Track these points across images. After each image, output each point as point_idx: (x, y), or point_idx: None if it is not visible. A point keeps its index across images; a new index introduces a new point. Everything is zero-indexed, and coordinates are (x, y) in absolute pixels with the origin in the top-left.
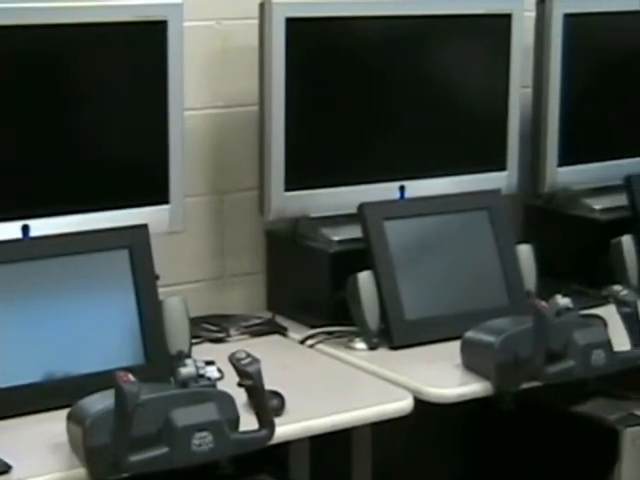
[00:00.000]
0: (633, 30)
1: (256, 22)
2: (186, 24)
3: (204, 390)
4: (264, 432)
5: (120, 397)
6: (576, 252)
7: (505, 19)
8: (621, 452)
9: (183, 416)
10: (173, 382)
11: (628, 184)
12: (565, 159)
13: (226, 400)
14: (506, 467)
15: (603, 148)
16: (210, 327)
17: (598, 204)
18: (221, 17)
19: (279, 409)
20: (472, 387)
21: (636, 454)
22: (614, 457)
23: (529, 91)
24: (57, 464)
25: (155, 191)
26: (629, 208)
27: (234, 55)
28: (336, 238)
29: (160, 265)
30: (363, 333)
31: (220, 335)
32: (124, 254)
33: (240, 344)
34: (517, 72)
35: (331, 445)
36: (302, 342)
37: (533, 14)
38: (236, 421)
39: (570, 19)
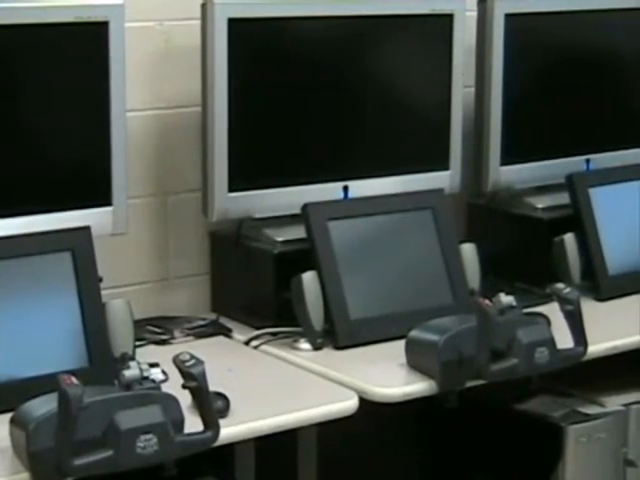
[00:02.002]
0: (574, 29)
1: (198, 23)
2: (128, 25)
3: (148, 392)
4: (209, 434)
5: (64, 400)
6: (519, 250)
7: (447, 19)
8: (565, 449)
9: (127, 419)
10: (117, 385)
11: (570, 183)
12: (508, 158)
13: (170, 402)
14: (451, 465)
15: (545, 147)
16: (154, 329)
17: (541, 203)
18: (163, 18)
19: (224, 410)
20: (417, 386)
21: (579, 451)
22: (558, 454)
23: (472, 91)
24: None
25: (97, 193)
26: (571, 206)
27: (177, 56)
28: (280, 239)
29: (103, 267)
30: (308, 333)
31: (164, 337)
32: (67, 256)
33: (184, 346)
34: (459, 72)
35: (277, 446)
36: (247, 343)
37: (475, 14)
38: (181, 423)
39: (511, 19)
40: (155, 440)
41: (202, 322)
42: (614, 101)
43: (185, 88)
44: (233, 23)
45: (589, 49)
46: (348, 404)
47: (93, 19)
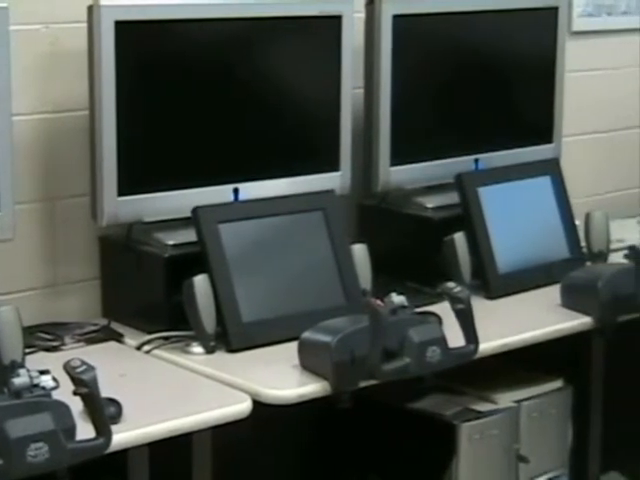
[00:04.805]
0: (461, 31)
1: (85, 25)
2: (12, 28)
3: (38, 400)
4: (101, 440)
5: None
6: (410, 250)
7: (335, 21)
8: (458, 446)
9: (17, 427)
10: (6, 393)
11: (459, 182)
12: (397, 159)
13: (61, 409)
14: (346, 465)
15: (434, 147)
16: (44, 336)
17: (430, 202)
18: (49, 21)
19: (116, 416)
20: (310, 387)
21: (472, 448)
22: (451, 451)
23: (361, 92)
24: None
25: None
26: (461, 206)
27: (63, 59)
28: (170, 242)
29: None
30: (200, 337)
31: (55, 343)
32: None
33: (75, 352)
34: (348, 73)
35: (171, 451)
36: (138, 348)
37: (363, 15)
38: (72, 430)
39: (399, 20)
40: (46, 448)
41: (93, 327)
42: (501, 102)
43: (73, 92)
44: (120, 26)
45: (477, 50)
46: (241, 407)
47: None
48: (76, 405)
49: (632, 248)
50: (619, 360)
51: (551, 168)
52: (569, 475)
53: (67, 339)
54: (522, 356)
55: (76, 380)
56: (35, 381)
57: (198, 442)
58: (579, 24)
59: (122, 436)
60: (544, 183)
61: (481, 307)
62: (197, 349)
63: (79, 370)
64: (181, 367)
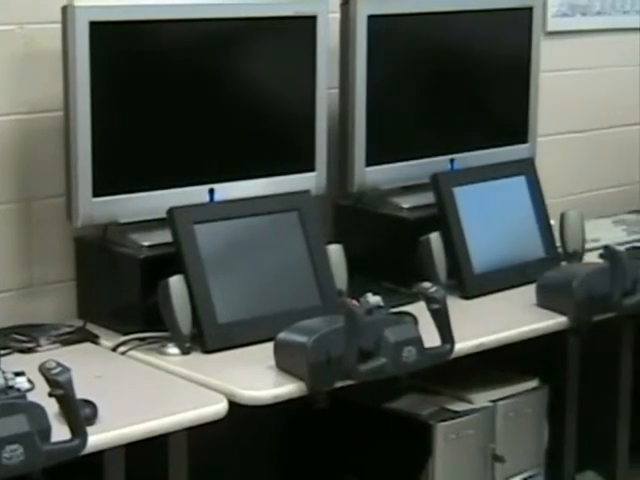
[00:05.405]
0: (436, 31)
1: (60, 26)
2: None
3: (13, 402)
4: (76, 442)
5: None
6: (386, 250)
7: (310, 21)
8: (434, 446)
9: None
10: None
11: (435, 182)
12: (373, 159)
13: (37, 411)
14: (322, 465)
15: (410, 147)
16: (19, 337)
17: (406, 203)
18: (24, 21)
19: (92, 418)
20: (286, 388)
21: (448, 448)
22: (427, 451)
23: (336, 92)
24: None
25: None
26: (436, 206)
27: (38, 60)
28: (146, 243)
29: None
30: (176, 338)
31: (30, 345)
32: None
33: (51, 353)
34: (323, 73)
35: (147, 452)
36: (114, 349)
37: (338, 16)
38: (47, 432)
39: (374, 20)
40: (21, 450)
41: (68, 329)
42: (477, 101)
43: (48, 92)
44: (95, 26)
45: (451, 50)
46: (217, 408)
47: None
48: (51, 407)
49: (607, 248)
50: (594, 359)
51: (526, 168)
52: (545, 474)
53: (42, 340)
54: (498, 356)
55: (51, 382)
56: (10, 383)
57: (174, 443)
58: (554, 24)
59: (98, 437)
60: (519, 183)
61: (457, 307)
62: (173, 350)
63: (54, 372)
64: (157, 368)
